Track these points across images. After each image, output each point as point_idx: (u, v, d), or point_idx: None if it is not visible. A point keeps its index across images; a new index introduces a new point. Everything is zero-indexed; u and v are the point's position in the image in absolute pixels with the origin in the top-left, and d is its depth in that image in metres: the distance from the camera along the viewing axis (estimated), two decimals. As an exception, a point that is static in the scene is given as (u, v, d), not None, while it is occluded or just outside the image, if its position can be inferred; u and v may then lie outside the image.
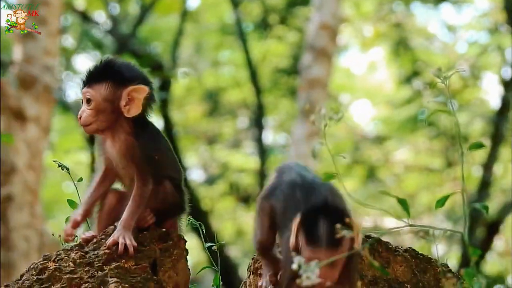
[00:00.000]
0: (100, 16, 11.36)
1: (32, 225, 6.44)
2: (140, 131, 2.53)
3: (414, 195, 11.19)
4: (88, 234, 2.56)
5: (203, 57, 11.84)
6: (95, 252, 2.48)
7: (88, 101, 2.51)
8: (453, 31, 11.89)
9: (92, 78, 2.53)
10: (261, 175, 10.30)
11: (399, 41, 11.23)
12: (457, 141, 2.20)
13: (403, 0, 11.50)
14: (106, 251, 2.46)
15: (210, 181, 11.88)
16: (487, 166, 9.88)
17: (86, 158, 10.90)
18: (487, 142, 9.67)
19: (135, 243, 2.47)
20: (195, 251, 8.90)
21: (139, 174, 2.50)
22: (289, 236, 2.15)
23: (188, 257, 2.58)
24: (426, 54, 11.30)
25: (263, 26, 11.40)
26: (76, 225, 2.53)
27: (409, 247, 2.64)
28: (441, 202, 2.19)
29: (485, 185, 9.87)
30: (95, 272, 2.43)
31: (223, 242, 2.88)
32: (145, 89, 2.51)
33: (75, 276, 2.43)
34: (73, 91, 10.62)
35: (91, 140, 7.90)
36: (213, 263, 2.78)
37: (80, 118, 2.53)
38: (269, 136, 12.24)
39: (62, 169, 2.76)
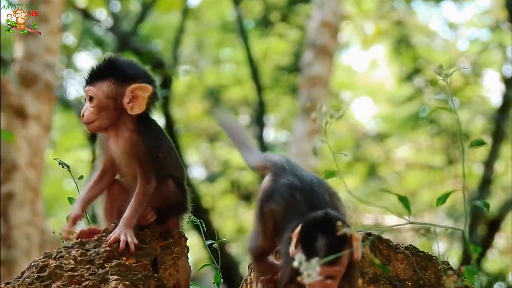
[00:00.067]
0: (101, 13, 11.36)
1: (33, 223, 6.44)
2: (143, 129, 2.51)
3: (415, 192, 11.19)
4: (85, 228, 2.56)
5: (204, 55, 11.83)
6: (96, 250, 2.48)
7: (90, 98, 2.50)
8: (454, 29, 11.90)
9: (94, 76, 2.52)
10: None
11: (400, 38, 11.22)
12: (458, 139, 2.20)
13: (404, -2, 11.51)
14: (107, 248, 2.46)
15: (211, 178, 11.88)
16: (488, 163, 9.88)
17: (87, 156, 10.91)
18: (488, 140, 9.66)
19: (136, 241, 2.47)
20: (196, 248, 8.90)
21: (142, 172, 2.49)
22: (289, 239, 2.15)
23: (189, 254, 2.58)
24: (427, 52, 11.30)
25: (264, 23, 11.38)
26: (73, 222, 2.53)
27: (410, 245, 2.63)
28: (442, 200, 2.18)
29: (486, 182, 9.87)
30: (96, 270, 2.43)
31: (224, 239, 2.87)
32: (149, 88, 2.50)
33: (76, 273, 2.43)
34: (74, 89, 10.63)
35: (92, 138, 7.91)
36: (214, 260, 2.78)
37: (82, 116, 2.52)
38: (270, 134, 12.25)
39: (63, 167, 2.75)
